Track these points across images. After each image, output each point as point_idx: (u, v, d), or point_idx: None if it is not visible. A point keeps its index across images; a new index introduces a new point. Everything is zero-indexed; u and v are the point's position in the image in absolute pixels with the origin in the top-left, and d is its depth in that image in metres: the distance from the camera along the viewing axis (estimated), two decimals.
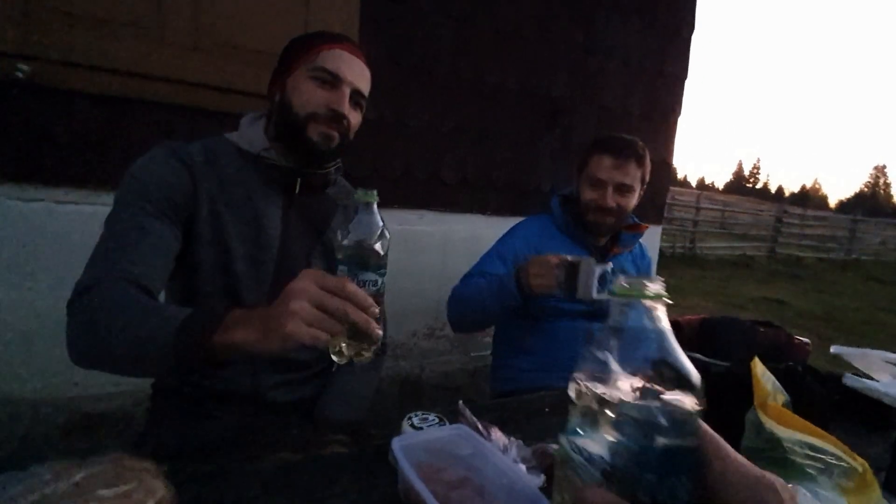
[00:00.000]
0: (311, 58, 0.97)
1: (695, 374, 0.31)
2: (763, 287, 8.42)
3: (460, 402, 0.83)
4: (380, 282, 0.69)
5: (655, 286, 0.33)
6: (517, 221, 1.61)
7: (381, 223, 0.69)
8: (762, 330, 1.13)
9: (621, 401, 0.30)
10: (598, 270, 1.17)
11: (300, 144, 0.98)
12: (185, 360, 0.68)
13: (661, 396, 0.30)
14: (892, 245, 16.28)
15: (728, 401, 0.88)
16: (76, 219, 1.54)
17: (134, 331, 0.71)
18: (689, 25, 2.92)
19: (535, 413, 1.01)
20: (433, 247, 2.23)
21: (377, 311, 0.65)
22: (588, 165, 1.46)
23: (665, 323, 0.32)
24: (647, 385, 0.30)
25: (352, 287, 0.63)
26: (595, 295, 1.16)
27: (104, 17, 1.52)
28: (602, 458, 0.30)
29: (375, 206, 0.69)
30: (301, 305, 0.61)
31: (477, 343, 2.43)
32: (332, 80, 0.96)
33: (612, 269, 1.19)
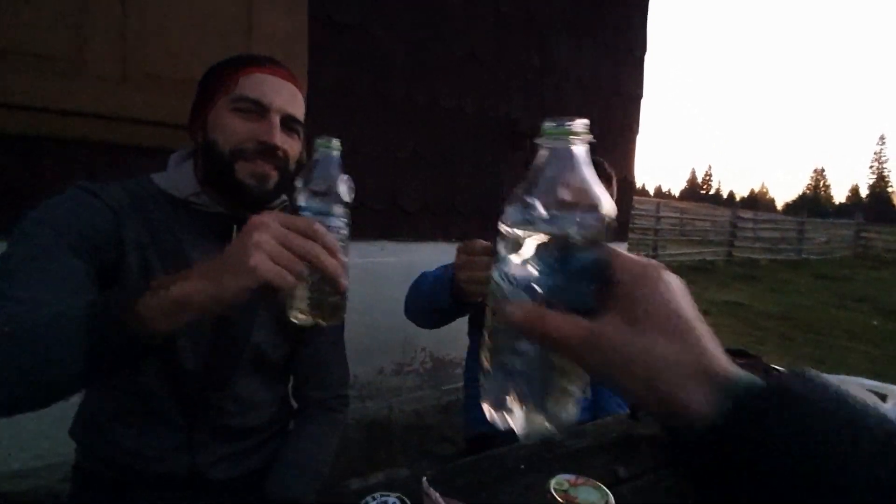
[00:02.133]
0: (231, 86, 0.84)
1: (606, 200, 0.35)
2: (723, 290, 8.67)
3: (424, 479, 0.73)
4: (345, 232, 0.63)
5: (579, 125, 0.35)
6: None
7: (342, 169, 0.64)
8: (741, 362, 1.09)
9: (538, 220, 0.34)
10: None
11: (230, 188, 0.86)
12: (104, 342, 0.57)
13: (573, 215, 0.34)
14: (836, 243, 17.21)
15: None
16: None
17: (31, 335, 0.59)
18: (642, 46, 2.98)
19: (511, 472, 0.92)
20: (397, 278, 2.11)
21: (345, 261, 0.59)
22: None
23: (586, 157, 0.36)
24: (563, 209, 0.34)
25: (321, 228, 0.56)
26: None
27: (16, 49, 1.36)
28: (525, 278, 0.35)
29: (338, 154, 0.63)
30: (265, 238, 0.53)
31: (449, 376, 2.33)
32: (256, 110, 0.84)
33: None
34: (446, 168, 2.26)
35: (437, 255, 2.24)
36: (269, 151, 0.84)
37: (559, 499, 0.57)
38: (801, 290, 9.54)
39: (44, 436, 1.49)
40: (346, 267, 0.60)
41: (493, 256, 0.37)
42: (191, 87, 0.78)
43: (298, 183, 0.63)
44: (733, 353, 1.14)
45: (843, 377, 1.03)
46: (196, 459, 0.90)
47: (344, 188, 0.63)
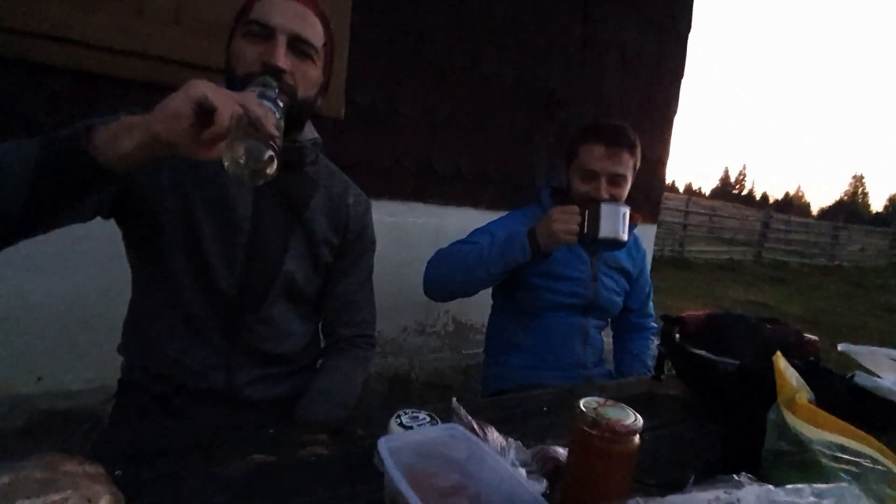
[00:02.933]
0: (245, 13, 0.86)
1: None
2: (749, 290, 8.48)
3: (454, 399, 0.76)
4: (274, 108, 0.69)
5: None
6: None
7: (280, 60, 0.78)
8: (769, 326, 1.08)
9: None
10: (623, 210, 1.16)
11: None
12: (54, 155, 0.63)
13: None
14: (872, 251, 16.58)
15: (742, 400, 0.83)
16: None
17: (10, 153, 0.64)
18: (687, 23, 2.88)
19: (533, 412, 0.95)
20: (424, 240, 2.15)
21: (276, 119, 0.66)
22: (578, 156, 1.37)
23: None
24: None
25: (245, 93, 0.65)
26: (625, 235, 1.16)
27: None
28: None
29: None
30: (202, 82, 0.61)
31: (469, 341, 2.36)
32: (263, 33, 0.83)
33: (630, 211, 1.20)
34: (481, 134, 2.26)
35: (464, 220, 2.25)
36: (273, 73, 0.82)
37: (590, 414, 0.58)
38: (831, 295, 9.25)
39: (90, 360, 1.57)
40: (276, 134, 0.65)
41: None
42: None
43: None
44: (766, 321, 1.13)
45: (873, 348, 1.01)
46: (233, 378, 0.94)
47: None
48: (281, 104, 0.71)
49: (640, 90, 2.72)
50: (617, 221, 1.15)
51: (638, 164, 1.40)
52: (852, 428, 0.60)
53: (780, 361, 0.68)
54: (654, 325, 1.70)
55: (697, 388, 1.04)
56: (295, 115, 0.88)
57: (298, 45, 0.86)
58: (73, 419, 1.55)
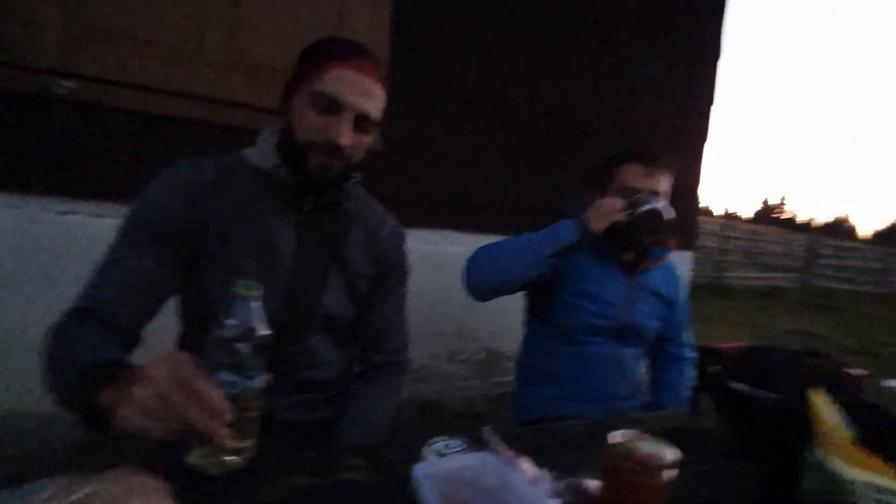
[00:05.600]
0: (314, 79, 0.90)
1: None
2: (795, 319, 8.07)
3: (487, 428, 0.78)
4: (239, 384, 0.61)
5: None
6: None
7: (252, 321, 0.62)
8: (810, 359, 1.05)
9: None
10: (662, 204, 1.28)
11: (301, 171, 0.94)
12: (63, 387, 0.71)
13: None
14: None
15: (780, 436, 0.81)
16: (106, 231, 1.57)
17: (57, 375, 0.74)
18: (716, 52, 2.89)
19: (566, 444, 0.95)
20: (456, 268, 2.17)
21: (228, 416, 0.58)
22: (615, 177, 1.40)
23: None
24: None
25: (199, 385, 0.56)
26: (668, 210, 1.27)
27: (145, 37, 1.58)
28: None
29: (253, 301, 0.63)
30: (142, 393, 0.57)
31: (500, 369, 2.35)
32: (332, 107, 0.89)
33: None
34: (511, 165, 2.31)
35: None
36: (336, 149, 0.90)
37: (622, 446, 0.59)
38: (885, 325, 8.69)
39: None
40: (251, 419, 0.61)
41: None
42: (285, 75, 0.88)
43: (216, 328, 0.62)
44: (807, 354, 1.09)
45: None
46: (272, 402, 0.99)
47: (242, 344, 0.60)
48: (252, 376, 0.62)
49: (669, 119, 2.73)
50: (658, 202, 1.26)
51: (671, 186, 1.42)
52: (892, 468, 0.58)
53: (818, 397, 0.67)
54: (692, 355, 1.66)
55: (736, 424, 1.02)
56: (345, 174, 0.96)
57: (362, 122, 0.92)
58: (125, 439, 1.63)
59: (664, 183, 1.37)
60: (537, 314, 1.52)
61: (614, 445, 0.60)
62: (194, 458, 0.60)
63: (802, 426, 0.67)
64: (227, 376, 0.60)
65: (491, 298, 1.38)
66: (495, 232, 2.30)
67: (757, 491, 0.81)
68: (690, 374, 1.62)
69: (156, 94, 1.60)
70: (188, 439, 0.60)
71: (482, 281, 1.34)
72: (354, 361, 1.16)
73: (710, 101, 2.88)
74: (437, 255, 2.16)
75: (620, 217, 1.25)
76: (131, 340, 0.88)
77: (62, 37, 1.48)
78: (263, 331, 0.62)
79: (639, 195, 1.29)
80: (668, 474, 0.59)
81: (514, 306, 1.58)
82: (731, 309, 8.37)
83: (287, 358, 0.99)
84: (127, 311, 0.86)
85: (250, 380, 0.61)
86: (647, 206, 1.26)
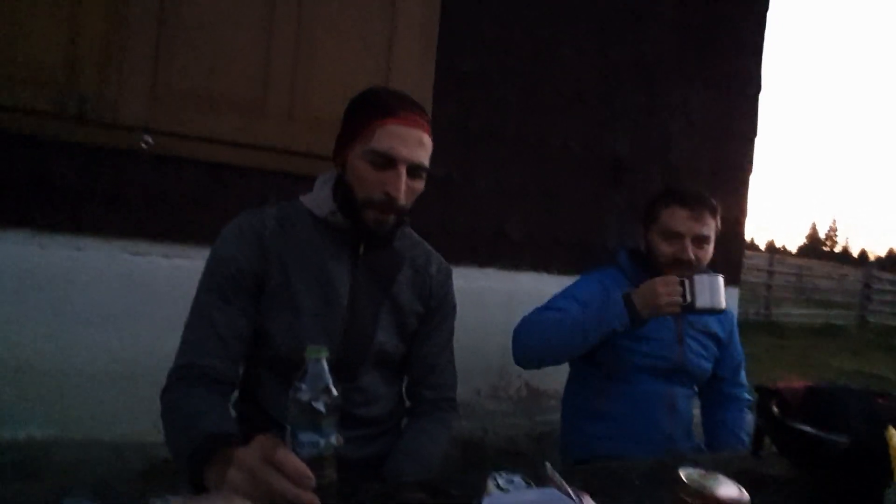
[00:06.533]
0: (367, 136, 0.94)
1: None
2: (856, 359, 7.53)
3: (547, 464, 0.78)
4: (322, 443, 0.65)
5: None
6: None
7: (327, 380, 0.66)
8: (880, 400, 1.00)
9: None
10: (719, 278, 1.22)
11: (357, 223, 1.00)
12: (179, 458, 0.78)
13: None
14: None
15: (858, 478, 0.77)
16: (178, 272, 1.69)
17: (173, 441, 0.83)
18: (756, 84, 2.89)
19: (624, 483, 0.93)
20: (497, 304, 2.21)
21: (312, 481, 0.61)
22: (659, 218, 1.40)
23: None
24: None
25: (283, 457, 0.60)
26: (723, 303, 1.21)
27: (218, 95, 1.75)
28: None
29: (324, 362, 0.68)
30: (235, 475, 0.63)
31: (542, 407, 2.31)
32: (386, 162, 0.94)
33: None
34: (551, 201, 2.35)
35: (537, 284, 2.29)
36: (391, 203, 0.95)
37: (693, 484, 0.59)
38: None
39: None
40: (324, 480, 0.64)
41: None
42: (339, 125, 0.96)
43: (291, 391, 0.66)
44: (875, 394, 1.05)
45: None
46: None
47: (320, 403, 0.64)
48: (330, 434, 0.66)
49: (709, 153, 2.72)
50: (715, 290, 1.21)
51: (719, 227, 1.41)
52: None
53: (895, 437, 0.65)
54: (748, 396, 1.60)
55: (804, 467, 0.98)
56: (398, 223, 1.02)
57: (414, 171, 0.97)
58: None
59: (709, 227, 1.36)
60: (584, 355, 1.51)
61: (684, 483, 0.60)
62: None
63: (880, 467, 0.65)
64: (307, 437, 0.64)
65: (539, 368, 1.43)
66: (535, 269, 2.32)
67: None
68: (747, 415, 1.56)
69: (224, 146, 1.76)
70: None
71: (530, 356, 1.38)
72: (405, 398, 1.18)
73: (752, 135, 2.86)
74: (479, 292, 2.19)
75: (676, 311, 1.22)
76: (230, 389, 0.97)
77: (147, 97, 1.66)
78: (335, 391, 0.67)
79: (694, 276, 1.22)
80: None
81: None
82: (781, 347, 7.91)
83: (342, 396, 1.03)
84: (223, 363, 0.93)
85: (328, 438, 0.65)
86: (701, 305, 1.20)
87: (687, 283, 1.21)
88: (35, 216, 1.65)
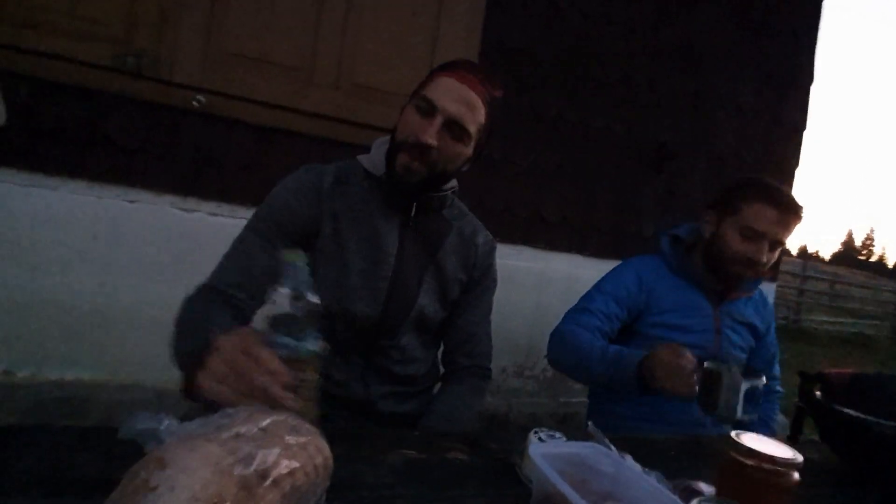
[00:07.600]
0: (424, 85, 0.97)
1: None
2: (883, 370, 7.30)
3: (590, 423, 0.79)
4: (296, 346, 0.63)
5: None
6: (615, 264, 1.50)
7: (301, 286, 0.64)
8: None
9: None
10: (744, 386, 0.98)
11: (389, 173, 1.00)
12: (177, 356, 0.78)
13: None
14: None
15: None
16: (223, 231, 1.74)
17: (178, 342, 0.82)
18: (809, 75, 2.78)
19: (661, 455, 0.94)
20: (529, 284, 2.21)
21: (285, 377, 0.59)
22: (741, 211, 1.30)
23: None
24: None
25: (259, 350, 0.60)
26: (740, 415, 0.98)
27: (268, 59, 1.79)
28: None
29: (301, 266, 0.65)
30: (213, 362, 0.62)
31: (567, 388, 2.32)
32: (428, 109, 0.94)
33: (763, 386, 1.01)
34: (589, 184, 2.32)
35: (569, 266, 2.28)
36: (419, 147, 0.93)
37: (746, 443, 0.59)
38: None
39: None
40: (303, 384, 0.62)
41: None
42: (384, 95, 0.96)
43: (268, 292, 0.64)
44: None
45: None
46: (369, 391, 1.05)
47: (294, 307, 0.62)
48: (305, 339, 0.64)
49: (756, 144, 2.64)
50: (736, 400, 0.99)
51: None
52: None
53: None
54: (780, 389, 1.57)
55: (846, 452, 0.96)
56: (428, 183, 1.00)
57: (454, 127, 0.95)
58: None
59: (790, 233, 1.28)
60: (616, 340, 1.49)
61: (737, 442, 0.60)
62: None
63: None
64: (281, 339, 0.62)
65: None
66: (569, 250, 2.31)
67: None
68: (777, 408, 1.53)
69: (272, 109, 1.80)
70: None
71: (560, 370, 1.40)
72: (440, 363, 1.21)
73: (801, 127, 2.76)
74: (511, 270, 2.19)
75: (691, 394, 1.03)
76: (245, 319, 0.96)
77: (201, 57, 1.70)
78: (313, 298, 0.64)
79: (717, 364, 1.03)
80: (795, 476, 0.58)
81: None
82: (811, 354, 7.71)
83: (383, 352, 1.05)
84: (245, 294, 0.95)
85: (304, 342, 0.63)
86: (717, 413, 1.01)
87: (705, 380, 1.02)
88: (91, 167, 1.73)
